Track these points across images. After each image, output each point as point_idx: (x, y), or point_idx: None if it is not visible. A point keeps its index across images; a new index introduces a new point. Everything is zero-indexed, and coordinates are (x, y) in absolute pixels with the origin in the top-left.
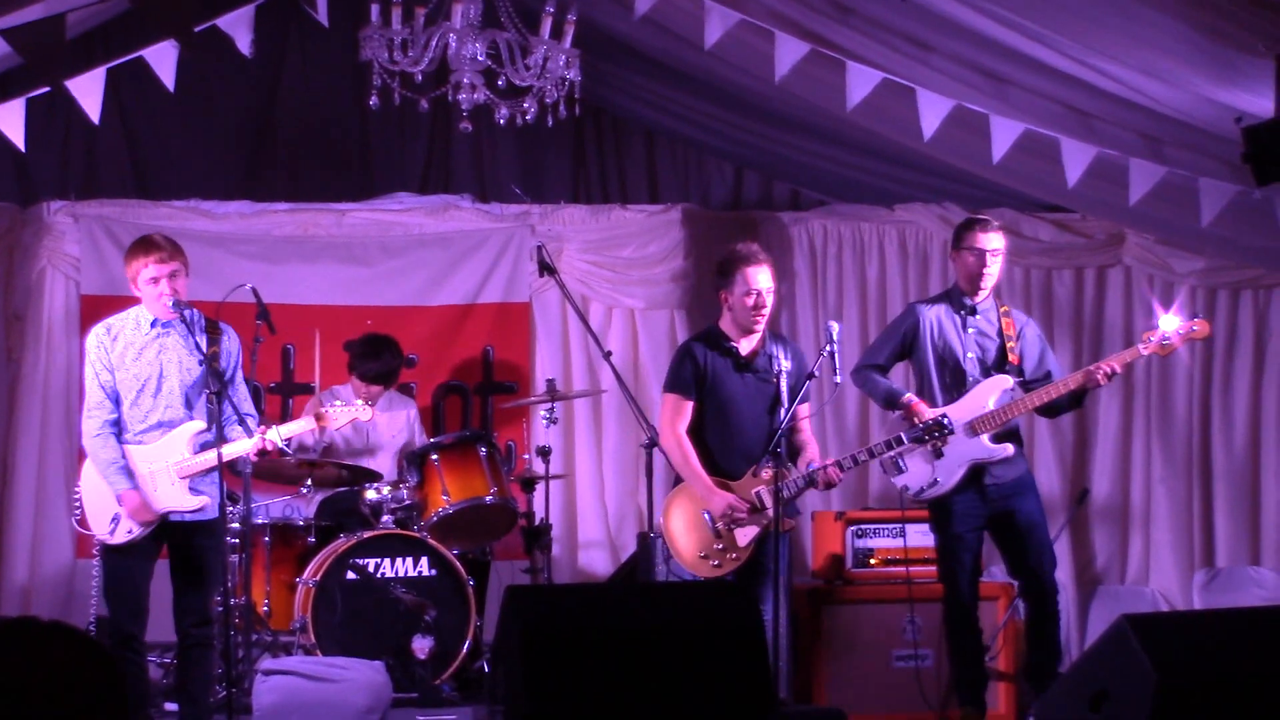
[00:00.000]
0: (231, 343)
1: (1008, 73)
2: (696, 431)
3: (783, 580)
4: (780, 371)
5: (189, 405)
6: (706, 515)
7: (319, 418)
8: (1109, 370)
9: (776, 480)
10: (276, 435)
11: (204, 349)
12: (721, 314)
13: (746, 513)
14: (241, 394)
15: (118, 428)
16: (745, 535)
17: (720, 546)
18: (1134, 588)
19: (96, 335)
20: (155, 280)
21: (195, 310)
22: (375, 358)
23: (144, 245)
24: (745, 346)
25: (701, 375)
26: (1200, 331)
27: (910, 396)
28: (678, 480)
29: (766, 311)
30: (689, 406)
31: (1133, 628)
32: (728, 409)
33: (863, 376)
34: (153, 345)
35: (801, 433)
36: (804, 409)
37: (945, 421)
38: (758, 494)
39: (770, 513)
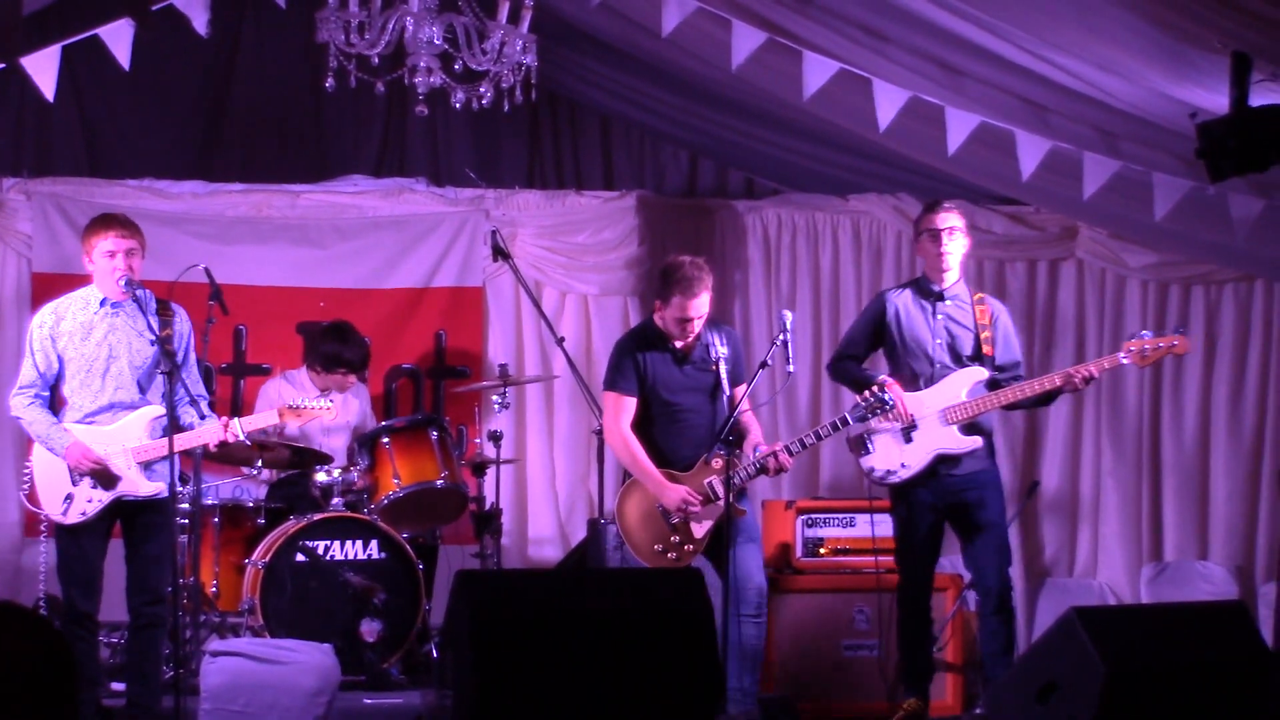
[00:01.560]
0: (183, 324)
1: (964, 65)
2: (641, 426)
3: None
4: (718, 358)
5: (141, 388)
6: (660, 509)
7: (281, 414)
8: (1087, 375)
9: (728, 469)
10: (239, 428)
11: (156, 330)
12: (656, 313)
13: (700, 504)
14: (194, 376)
15: (47, 405)
16: (700, 527)
17: (676, 539)
18: (1082, 581)
19: (41, 317)
20: (111, 254)
21: (147, 291)
22: (345, 346)
23: (104, 220)
24: (685, 343)
25: (641, 371)
26: (1181, 348)
27: (884, 378)
28: (628, 474)
29: (695, 333)
30: (631, 402)
31: (1081, 620)
32: (670, 402)
33: (840, 368)
34: (101, 325)
35: (743, 414)
36: (740, 390)
37: (885, 396)
38: (710, 484)
39: (720, 504)
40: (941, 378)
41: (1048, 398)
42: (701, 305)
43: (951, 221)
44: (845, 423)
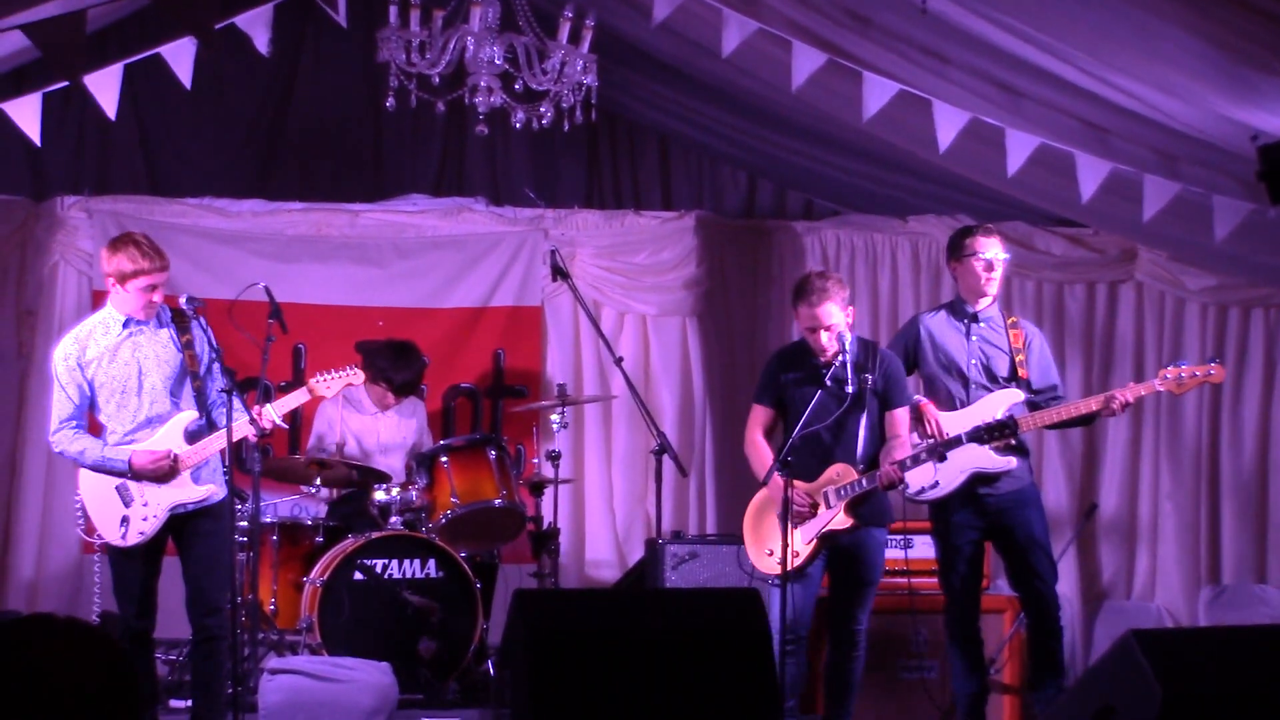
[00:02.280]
0: (201, 331)
1: (1024, 86)
2: (782, 439)
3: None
4: (863, 377)
5: (174, 397)
6: (777, 515)
7: (310, 389)
8: (1125, 402)
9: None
10: (272, 413)
11: (177, 342)
12: None
13: (807, 507)
14: (218, 378)
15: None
16: (807, 533)
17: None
18: (1140, 603)
19: (64, 349)
20: (151, 289)
21: (161, 304)
22: (408, 367)
23: (138, 252)
24: (825, 356)
25: (782, 384)
26: (1216, 377)
27: (919, 398)
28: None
29: (828, 343)
30: (764, 412)
31: (1139, 643)
32: (809, 415)
33: None
34: (126, 345)
35: (892, 439)
36: (897, 415)
37: (1009, 421)
38: (825, 493)
39: (834, 511)
40: (977, 399)
41: (1087, 419)
42: (828, 314)
43: (1000, 253)
44: (959, 441)
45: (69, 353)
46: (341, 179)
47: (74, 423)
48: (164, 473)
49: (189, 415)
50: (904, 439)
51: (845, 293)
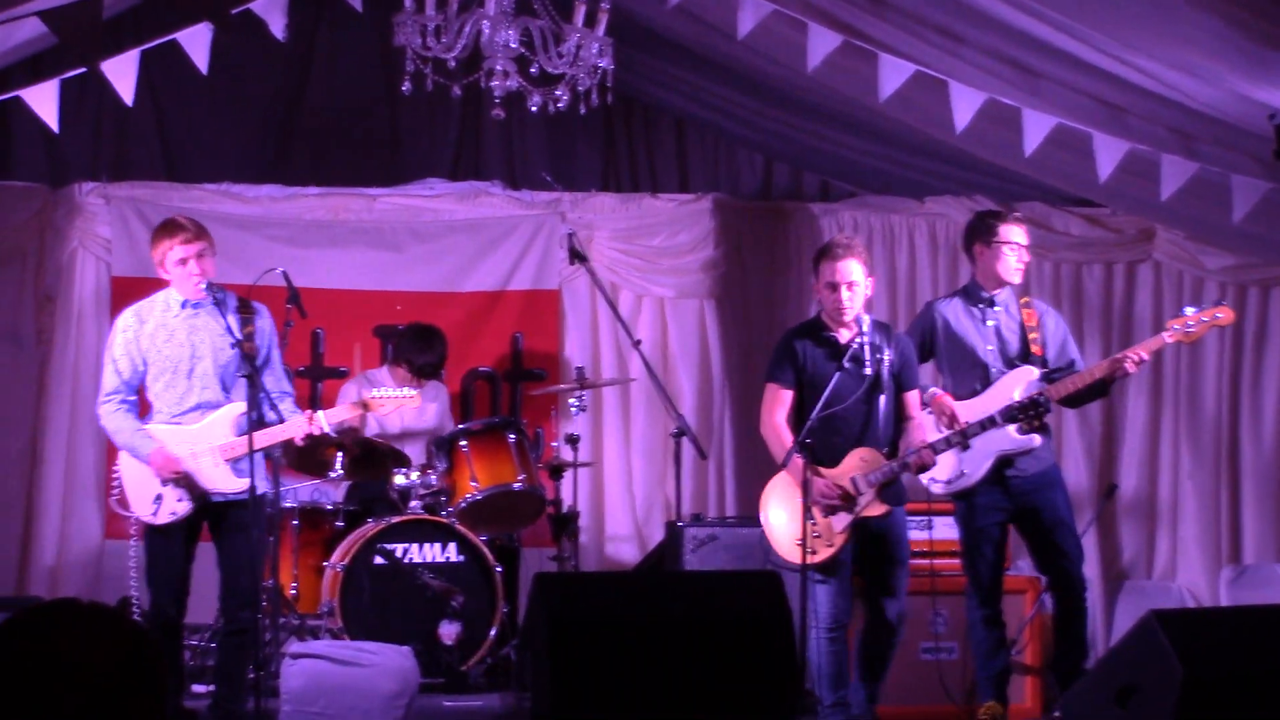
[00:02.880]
0: (265, 322)
1: (1040, 66)
2: (798, 421)
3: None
4: (879, 360)
5: (225, 387)
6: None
7: (366, 404)
8: (1137, 358)
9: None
10: (324, 420)
11: (237, 330)
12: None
13: (838, 498)
14: (278, 374)
15: (135, 410)
16: (840, 521)
17: (817, 534)
18: (1161, 583)
19: (124, 321)
20: (184, 261)
21: (228, 291)
22: (430, 350)
23: (169, 227)
24: (845, 335)
25: (800, 364)
26: (1225, 319)
27: (934, 390)
28: (779, 470)
29: (847, 303)
30: (787, 395)
31: (1160, 623)
32: (829, 397)
33: None
34: (183, 326)
35: (909, 420)
36: (911, 396)
37: (1041, 399)
38: (852, 480)
39: (865, 498)
40: (995, 382)
41: (1103, 386)
42: (848, 270)
43: (1023, 239)
44: (994, 422)
45: (127, 324)
46: (358, 164)
47: (119, 396)
48: (170, 480)
49: (241, 406)
50: (920, 420)
51: (868, 258)
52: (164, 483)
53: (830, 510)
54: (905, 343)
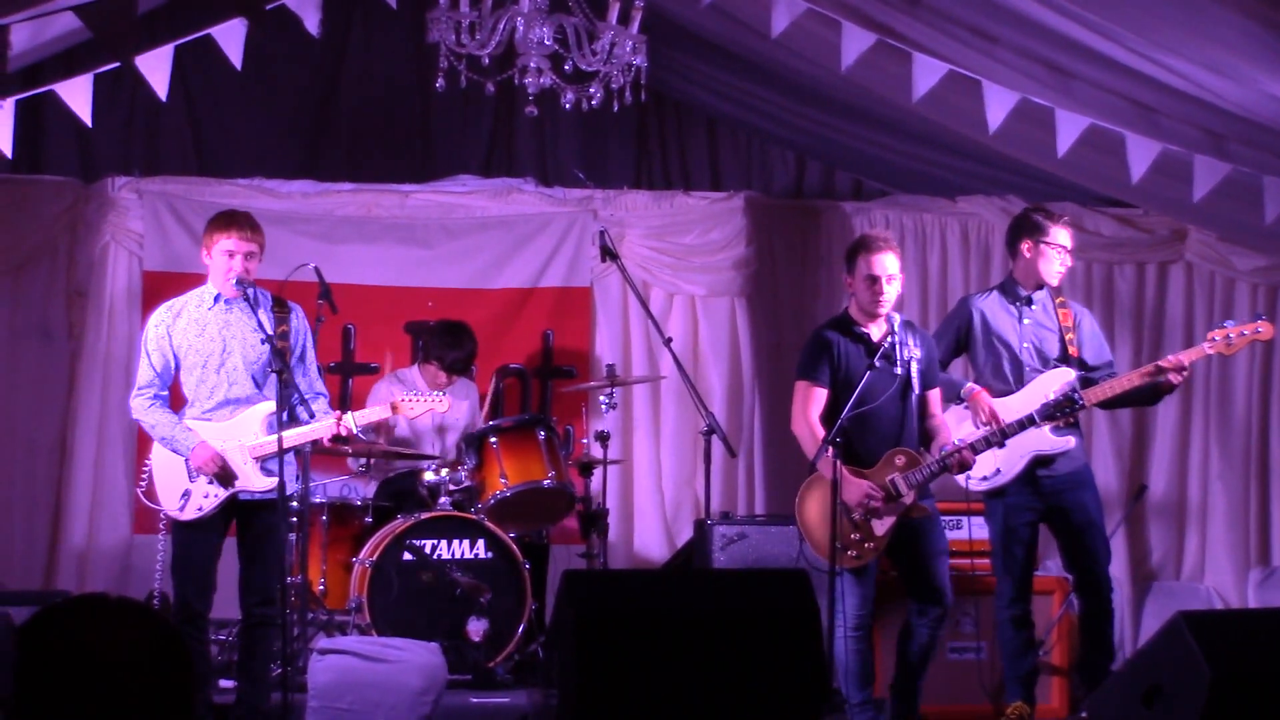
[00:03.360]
0: (300, 321)
1: (1073, 67)
2: (830, 419)
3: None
4: (910, 358)
5: (258, 385)
6: (841, 505)
7: (395, 407)
8: (1179, 366)
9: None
10: (352, 422)
11: (270, 328)
12: (850, 300)
13: (882, 500)
14: (311, 374)
15: (167, 405)
16: (882, 524)
17: (857, 536)
18: (1189, 584)
19: (159, 316)
20: (230, 254)
21: (262, 290)
22: (459, 346)
23: (229, 219)
24: (875, 332)
25: (835, 361)
26: (1265, 334)
27: (971, 385)
28: (811, 469)
29: (886, 296)
30: (822, 393)
31: (1188, 624)
32: (861, 395)
33: None
34: (216, 321)
35: (934, 418)
36: (934, 395)
37: (1076, 396)
38: (892, 481)
39: (907, 500)
40: (1030, 381)
41: (1153, 396)
42: (887, 264)
43: (1070, 242)
44: (1032, 421)
45: (162, 319)
46: (391, 160)
47: (152, 390)
48: (212, 474)
49: (270, 406)
50: (942, 419)
51: (899, 251)
52: (195, 475)
53: (872, 512)
54: (929, 341)
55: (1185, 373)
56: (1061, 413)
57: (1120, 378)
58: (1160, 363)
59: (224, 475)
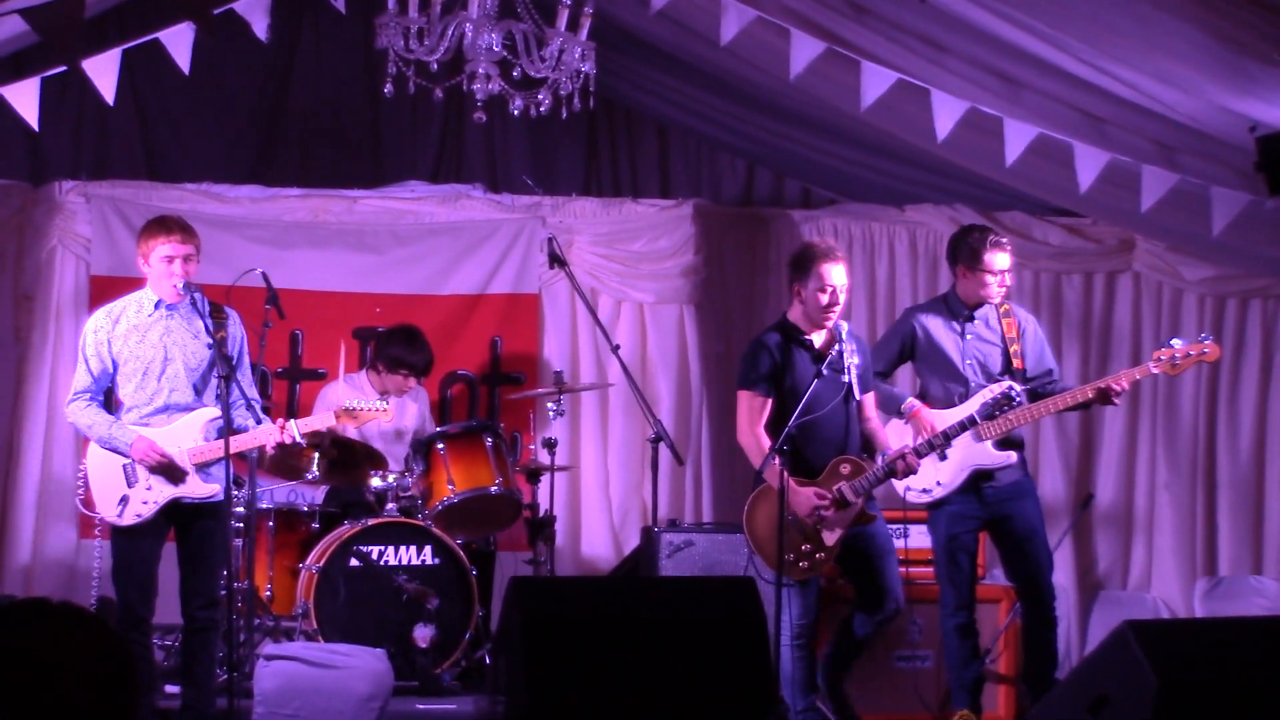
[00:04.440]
0: (237, 328)
1: (1022, 76)
2: (776, 427)
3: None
4: (850, 364)
5: (197, 391)
6: (790, 517)
7: (338, 415)
8: (1121, 389)
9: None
10: (295, 429)
11: (211, 333)
12: (792, 306)
13: (832, 509)
14: (248, 379)
15: (103, 408)
16: (832, 534)
17: (808, 547)
18: (1136, 594)
19: (96, 321)
20: (169, 259)
21: (202, 294)
22: (423, 348)
23: (163, 224)
24: (819, 339)
25: (779, 369)
26: (1211, 355)
27: (912, 402)
28: (758, 480)
29: (838, 308)
30: (767, 403)
31: (1135, 633)
32: (809, 403)
33: None
34: (156, 327)
35: (870, 421)
36: (869, 398)
37: (1013, 394)
38: (839, 489)
39: (855, 507)
40: (975, 395)
41: (1086, 406)
42: (842, 274)
43: (1007, 263)
44: (974, 422)
45: (99, 325)
46: (340, 165)
47: (88, 395)
48: (154, 466)
49: (212, 412)
50: (878, 422)
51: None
52: (133, 480)
53: (822, 521)
54: (865, 347)
55: (1121, 395)
56: (1000, 410)
57: (1061, 396)
58: (1104, 386)
59: (168, 470)
